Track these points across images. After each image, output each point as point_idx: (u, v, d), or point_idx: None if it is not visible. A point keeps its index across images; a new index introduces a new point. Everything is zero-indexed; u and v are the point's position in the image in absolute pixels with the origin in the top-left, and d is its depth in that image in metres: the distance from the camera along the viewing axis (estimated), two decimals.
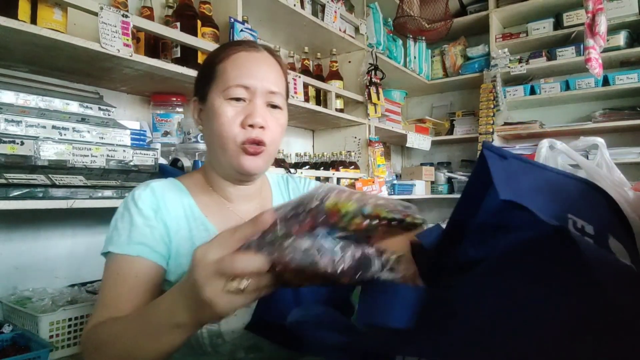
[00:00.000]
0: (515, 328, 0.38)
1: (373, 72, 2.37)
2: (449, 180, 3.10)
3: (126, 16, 1.19)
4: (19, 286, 1.24)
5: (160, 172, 1.25)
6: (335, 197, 0.42)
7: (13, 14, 1.02)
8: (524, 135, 2.91)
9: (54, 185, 1.02)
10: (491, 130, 2.87)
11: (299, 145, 2.43)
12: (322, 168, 2.12)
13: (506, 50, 2.85)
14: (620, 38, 2.57)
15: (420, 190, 2.89)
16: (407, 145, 2.72)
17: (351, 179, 2.19)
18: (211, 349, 0.72)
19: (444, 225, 0.54)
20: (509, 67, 2.84)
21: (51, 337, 1.05)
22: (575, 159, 0.79)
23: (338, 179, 2.12)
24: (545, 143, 0.86)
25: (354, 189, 0.50)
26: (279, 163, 1.88)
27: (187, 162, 1.38)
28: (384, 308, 0.44)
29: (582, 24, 2.15)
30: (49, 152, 1.04)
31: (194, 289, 0.45)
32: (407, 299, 0.44)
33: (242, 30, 1.58)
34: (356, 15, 2.44)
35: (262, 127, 0.75)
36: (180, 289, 0.50)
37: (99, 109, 1.23)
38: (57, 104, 1.15)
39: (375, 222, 0.42)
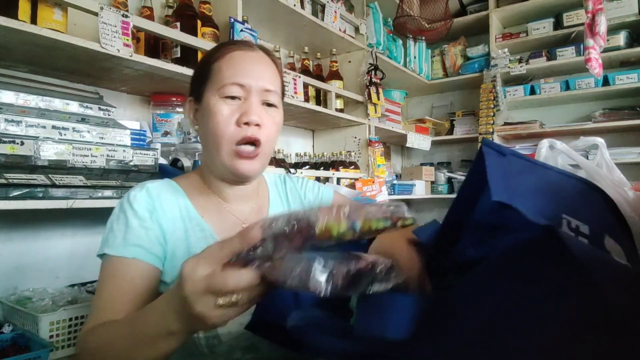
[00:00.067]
0: (515, 328, 0.38)
1: (373, 72, 2.36)
2: (449, 180, 3.10)
3: (126, 16, 1.19)
4: (19, 286, 1.24)
5: (160, 172, 1.25)
6: (324, 220, 0.42)
7: (13, 14, 1.02)
8: (524, 135, 2.91)
9: (54, 185, 1.02)
10: (491, 130, 2.87)
11: (299, 145, 2.43)
12: (322, 168, 2.12)
13: (506, 50, 2.85)
14: (620, 38, 2.57)
15: (420, 190, 2.89)
16: (407, 145, 2.72)
17: (351, 179, 2.19)
18: (207, 350, 0.72)
19: (440, 220, 0.54)
20: (509, 67, 2.84)
21: (51, 337, 1.05)
22: (575, 159, 0.79)
23: (338, 179, 2.12)
24: (545, 143, 0.86)
25: (344, 200, 0.50)
26: (279, 163, 1.88)
27: (187, 162, 1.37)
28: (380, 319, 0.44)
29: (582, 24, 2.15)
30: (49, 152, 1.04)
31: (185, 305, 0.44)
32: (404, 309, 0.44)
33: (242, 30, 1.58)
34: (356, 15, 2.44)
35: (257, 125, 0.75)
36: (170, 302, 0.49)
37: (99, 109, 1.23)
38: (57, 104, 1.15)
39: (368, 236, 0.44)
